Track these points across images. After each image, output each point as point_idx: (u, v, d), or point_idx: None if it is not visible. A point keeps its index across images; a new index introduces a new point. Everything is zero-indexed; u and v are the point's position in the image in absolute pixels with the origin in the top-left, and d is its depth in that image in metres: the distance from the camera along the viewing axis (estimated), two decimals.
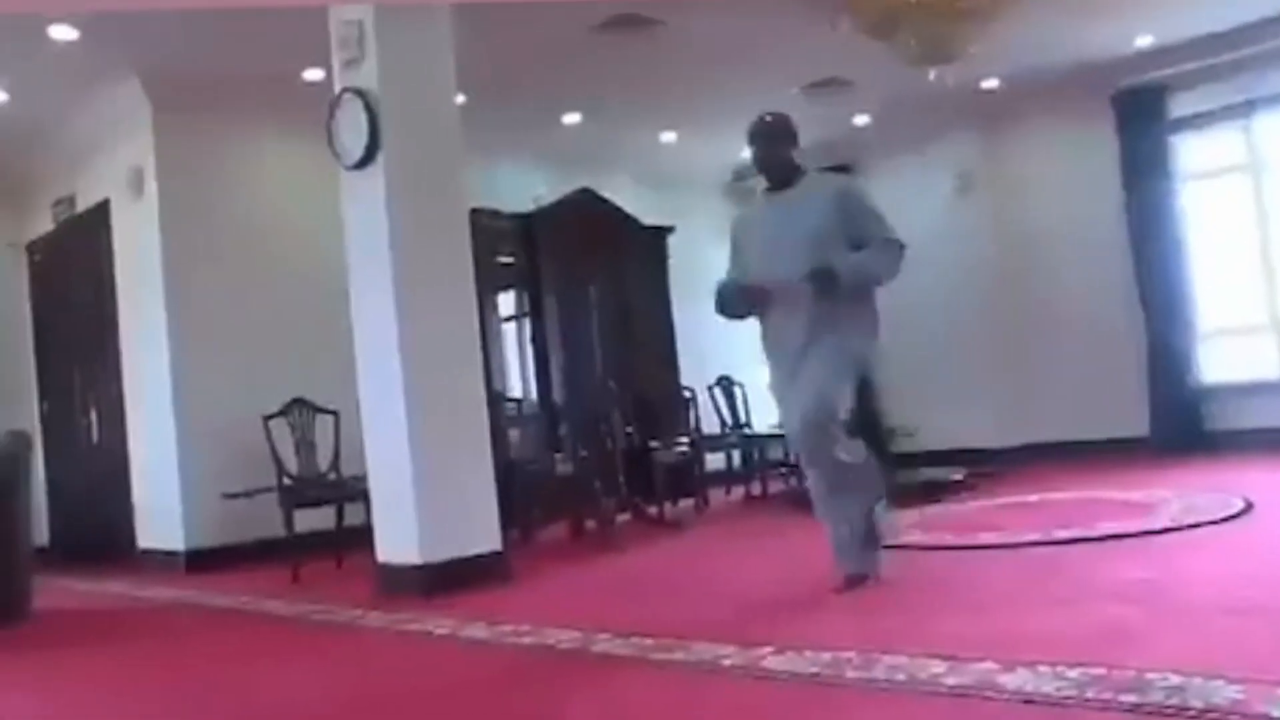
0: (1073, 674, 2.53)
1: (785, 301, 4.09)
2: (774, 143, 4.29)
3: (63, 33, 6.26)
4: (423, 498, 4.97)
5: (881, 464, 4.29)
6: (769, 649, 3.16)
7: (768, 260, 4.21)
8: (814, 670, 2.90)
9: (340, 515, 6.33)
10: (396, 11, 5.20)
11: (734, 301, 4.23)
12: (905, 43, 6.73)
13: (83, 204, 8.01)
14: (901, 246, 4.10)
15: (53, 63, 6.65)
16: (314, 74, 6.86)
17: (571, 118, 8.65)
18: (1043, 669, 2.60)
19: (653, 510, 7.32)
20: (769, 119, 4.32)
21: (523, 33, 6.75)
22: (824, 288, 3.96)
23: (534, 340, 8.58)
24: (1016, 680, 2.55)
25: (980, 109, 9.38)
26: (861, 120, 9.62)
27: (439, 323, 5.17)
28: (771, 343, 4.24)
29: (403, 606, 4.65)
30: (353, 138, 5.18)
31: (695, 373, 9.23)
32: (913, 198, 9.92)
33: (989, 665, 2.70)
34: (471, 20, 5.51)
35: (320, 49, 5.65)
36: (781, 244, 4.13)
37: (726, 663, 3.11)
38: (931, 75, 7.12)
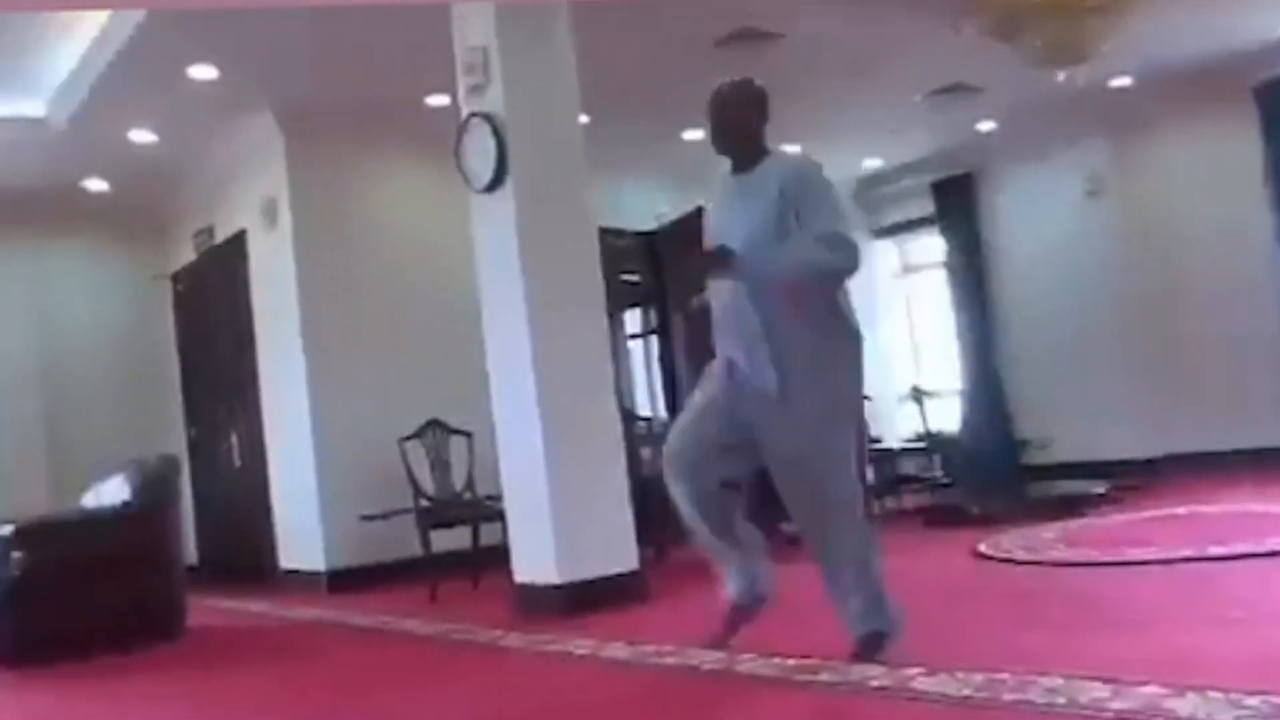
0: (1252, 702, 2.38)
1: (726, 315, 3.50)
2: (727, 109, 3.57)
3: (202, 72, 6.51)
4: (559, 517, 4.99)
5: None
6: (918, 670, 3.08)
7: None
8: (966, 693, 2.80)
9: (476, 535, 6.40)
10: (519, 35, 5.26)
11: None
12: (1030, 44, 6.57)
13: (221, 234, 8.29)
14: (852, 246, 3.37)
15: (193, 102, 6.92)
16: (438, 100, 7.00)
17: (692, 134, 8.62)
18: (1215, 695, 2.45)
19: (786, 527, 7.22)
20: (725, 83, 3.61)
21: (643, 51, 6.79)
22: (719, 269, 3.39)
23: (661, 358, 8.59)
24: (1188, 706, 2.40)
25: (1110, 109, 9.07)
26: (986, 126, 9.41)
27: (571, 341, 5.20)
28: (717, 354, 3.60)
29: (542, 626, 4.67)
30: (481, 162, 5.26)
31: None
32: (1040, 204, 9.72)
33: (1155, 689, 2.55)
34: (592, 40, 5.54)
35: (442, 75, 5.77)
36: (726, 235, 3.49)
37: (874, 684, 3.04)
38: (1061, 76, 6.92)
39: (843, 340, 3.44)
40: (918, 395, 9.53)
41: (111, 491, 5.71)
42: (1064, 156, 9.53)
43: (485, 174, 5.24)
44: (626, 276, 8.32)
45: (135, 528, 5.53)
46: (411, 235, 7.57)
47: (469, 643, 4.69)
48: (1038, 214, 9.71)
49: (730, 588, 3.69)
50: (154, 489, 5.66)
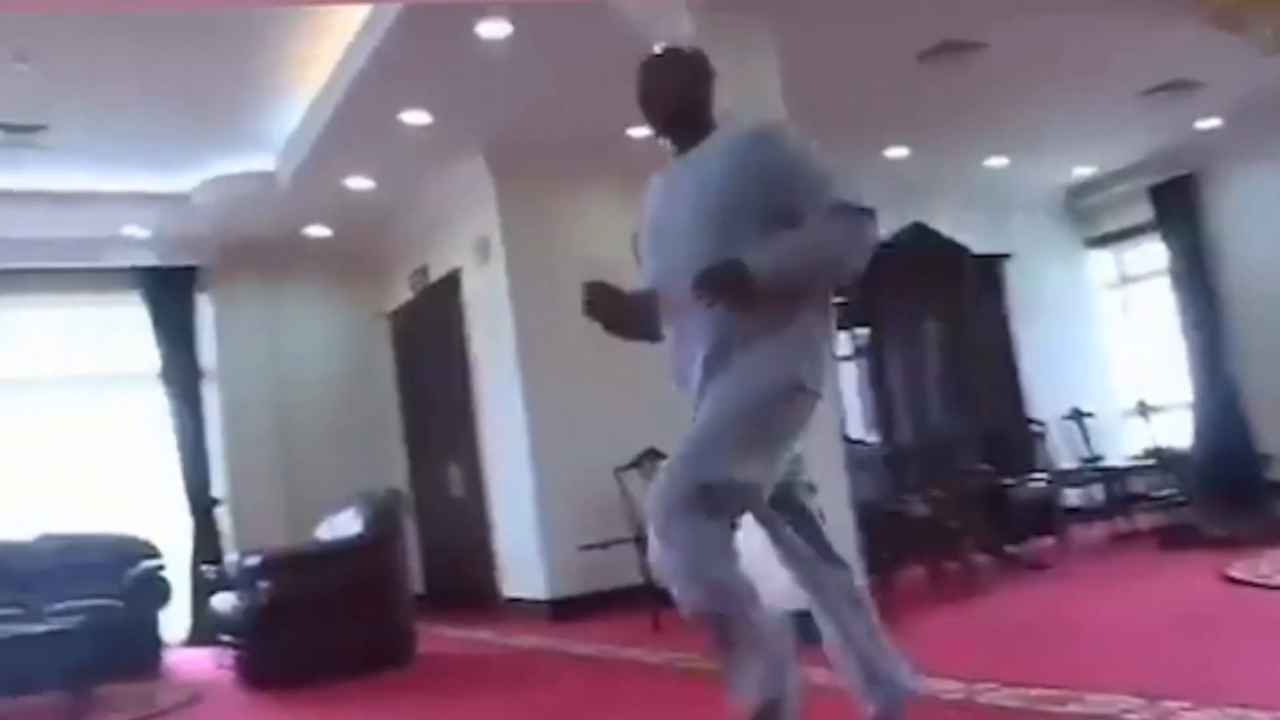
0: None
1: (674, 321, 2.76)
2: (660, 77, 2.82)
3: (415, 118, 6.77)
4: None
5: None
6: (1183, 704, 2.89)
7: (651, 257, 2.89)
8: None
9: None
10: (724, 52, 5.25)
11: (608, 313, 2.86)
12: (1261, 33, 6.16)
13: (436, 273, 8.58)
14: (862, 213, 2.59)
15: (407, 147, 7.20)
16: (639, 130, 7.10)
17: (896, 151, 8.48)
18: None
19: (1012, 550, 6.98)
20: (658, 49, 2.92)
21: (844, 69, 6.69)
22: (727, 298, 2.50)
23: (874, 380, 8.42)
24: None
25: None
26: (1208, 124, 8.88)
27: None
28: (673, 379, 2.81)
29: None
30: None
31: (1043, 405, 8.80)
32: (1275, 204, 9.09)
33: None
34: (791, 60, 5.50)
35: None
36: (664, 232, 2.79)
37: (1131, 717, 2.88)
38: None
39: (800, 320, 2.62)
40: (1144, 410, 9.07)
41: (344, 524, 5.98)
42: None
43: None
44: (836, 298, 8.17)
45: (368, 558, 5.77)
46: (621, 265, 7.62)
47: (697, 671, 4.67)
48: (1272, 214, 9.09)
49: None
50: (384, 521, 5.89)
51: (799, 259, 2.58)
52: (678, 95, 2.79)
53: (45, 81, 6.04)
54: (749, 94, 5.31)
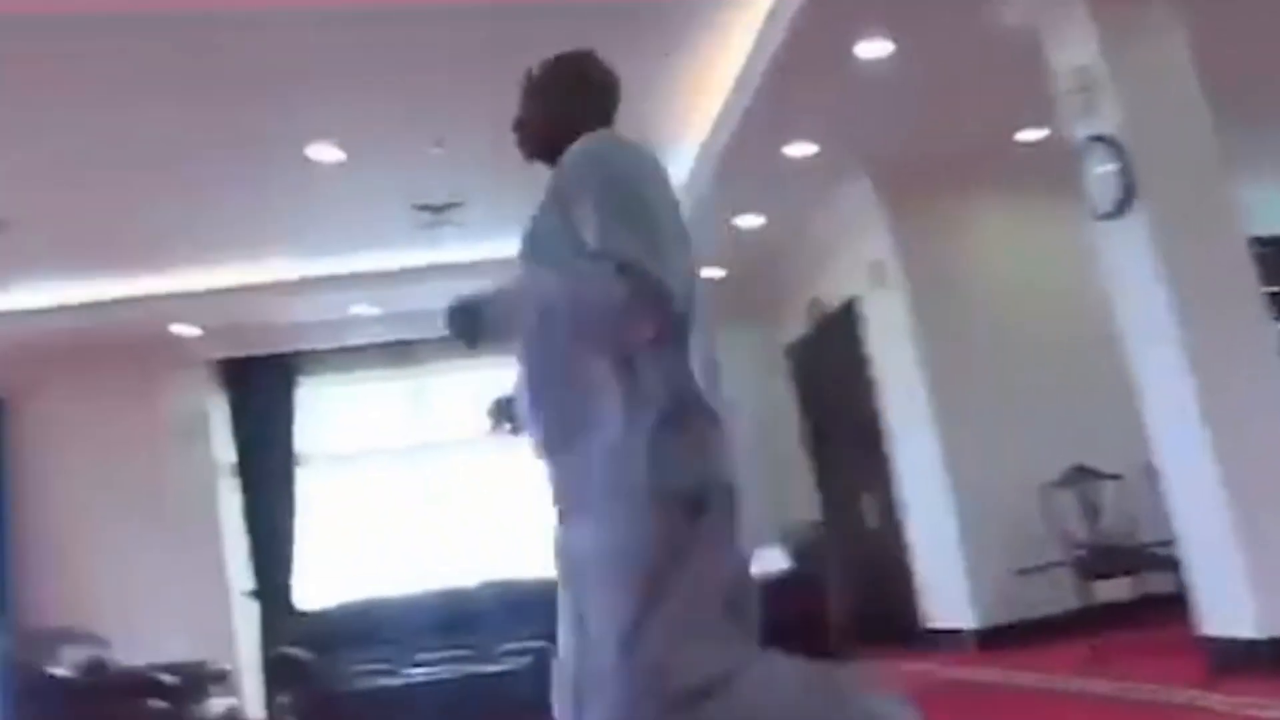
0: None
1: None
2: (529, 101, 2.36)
3: (801, 150, 6.82)
4: (1253, 562, 4.43)
5: None
6: None
7: None
8: None
9: (1139, 586, 5.94)
10: (1127, 47, 4.90)
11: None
12: None
13: (830, 303, 8.56)
14: (623, 270, 1.84)
15: (794, 179, 7.26)
16: (1027, 135, 6.84)
17: None
18: None
19: None
20: (538, 64, 2.36)
21: (1264, 42, 6.05)
22: (464, 336, 2.06)
23: None
24: None
25: None
26: None
27: (1236, 369, 4.65)
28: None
29: (1239, 686, 4.17)
30: (1102, 186, 4.93)
31: None
32: None
33: None
34: (1208, 37, 5.02)
35: (1031, 109, 5.61)
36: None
37: None
38: None
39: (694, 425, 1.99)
40: None
41: (773, 559, 6.04)
42: None
43: (1108, 199, 4.90)
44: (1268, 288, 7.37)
45: (799, 592, 5.80)
46: (1020, 275, 7.30)
47: (1154, 703, 4.29)
48: None
49: None
50: (810, 555, 5.91)
51: (514, 308, 2.03)
52: (531, 127, 2.35)
53: (455, 162, 6.56)
54: (1160, 84, 4.93)
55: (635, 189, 1.97)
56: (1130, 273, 4.91)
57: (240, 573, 8.82)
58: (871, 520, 8.24)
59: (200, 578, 8.58)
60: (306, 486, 9.10)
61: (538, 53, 2.33)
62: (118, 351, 8.57)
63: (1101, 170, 4.91)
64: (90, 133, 5.76)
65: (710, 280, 8.80)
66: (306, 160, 6.41)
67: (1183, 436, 4.69)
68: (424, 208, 7.41)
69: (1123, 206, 4.84)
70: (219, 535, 8.82)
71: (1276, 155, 7.75)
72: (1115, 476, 6.16)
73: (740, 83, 6.13)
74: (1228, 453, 4.54)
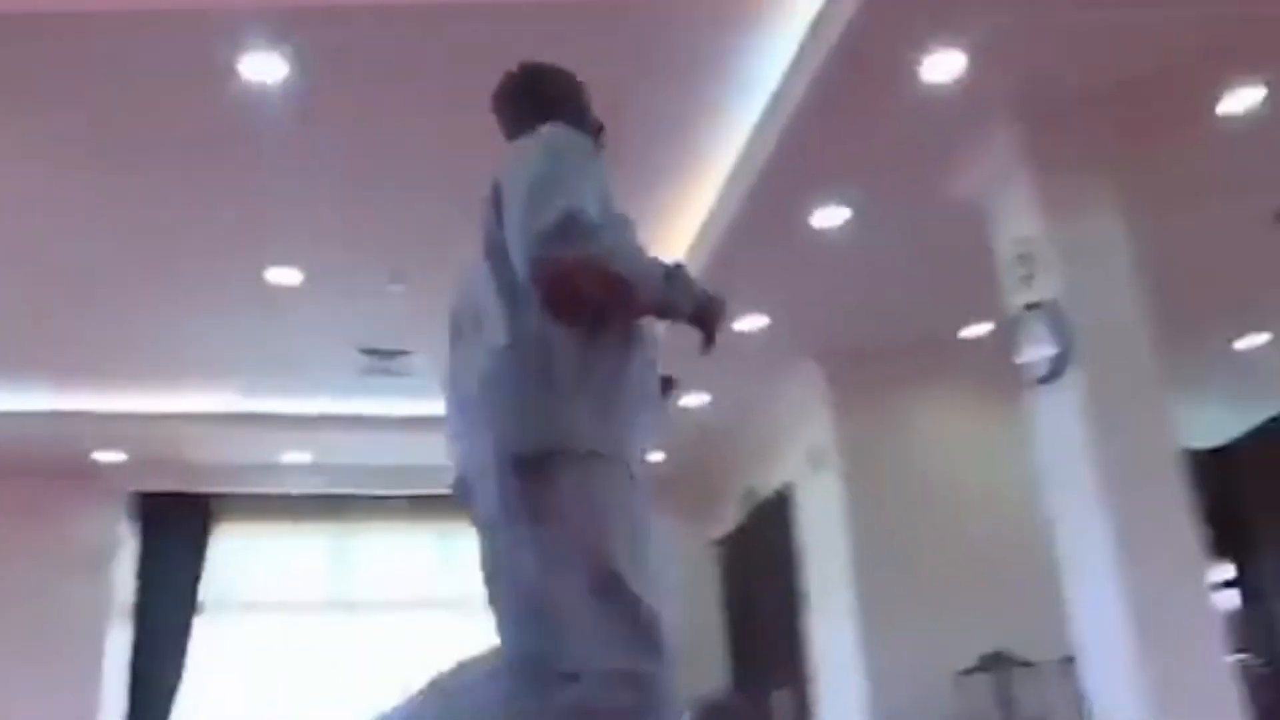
0: None
1: None
2: (500, 111, 2.47)
3: (752, 323, 6.93)
4: None
5: None
6: None
7: None
8: None
9: None
10: (1068, 221, 5.14)
11: None
12: None
13: (765, 491, 8.54)
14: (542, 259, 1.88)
15: (742, 357, 7.29)
16: (970, 331, 7.08)
17: (1253, 339, 7.76)
18: None
19: None
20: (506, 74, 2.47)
21: (1196, 234, 6.32)
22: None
23: (1244, 596, 7.59)
24: None
25: None
26: None
27: (1162, 569, 4.57)
28: None
29: None
30: (1038, 351, 5.07)
31: None
32: None
33: None
34: (1138, 224, 5.25)
35: (975, 306, 5.82)
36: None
37: None
38: None
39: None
40: None
41: None
42: None
43: (1044, 363, 5.03)
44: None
45: None
46: (953, 467, 7.36)
47: None
48: None
49: None
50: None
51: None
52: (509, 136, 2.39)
53: (411, 306, 6.47)
54: (1098, 256, 5.12)
55: (543, 158, 2.04)
56: (1062, 440, 4.96)
57: None
58: (783, 718, 7.96)
59: None
60: (208, 637, 8.69)
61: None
62: (32, 469, 8.27)
63: (1037, 335, 5.06)
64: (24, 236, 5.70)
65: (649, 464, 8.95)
66: (263, 283, 6.31)
67: (1102, 616, 4.61)
68: (371, 352, 7.37)
69: (1057, 371, 4.95)
70: (99, 680, 8.31)
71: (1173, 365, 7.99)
72: (1029, 664, 6.07)
73: (694, 249, 6.28)
74: (1147, 635, 4.43)
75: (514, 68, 2.45)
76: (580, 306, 1.93)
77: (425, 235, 5.87)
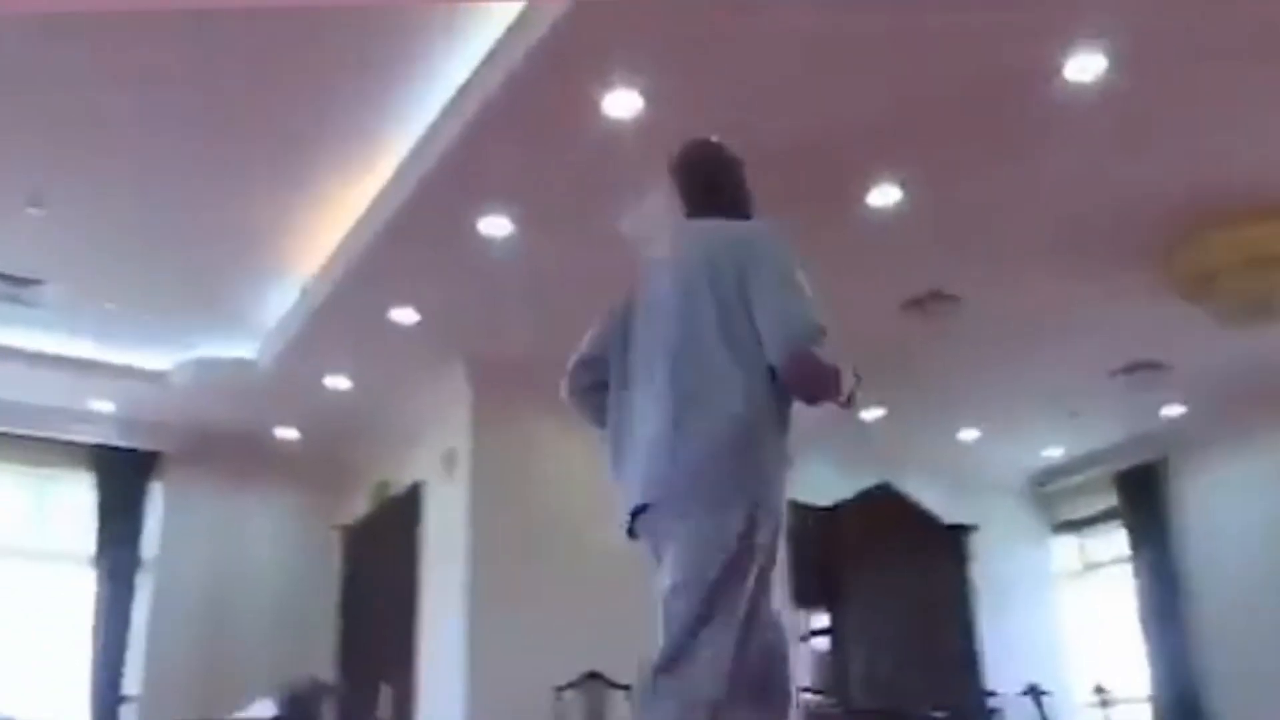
0: None
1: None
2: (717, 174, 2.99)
3: (404, 316, 6.80)
4: None
5: None
6: None
7: None
8: None
9: None
10: None
11: None
12: (1227, 303, 6.14)
13: (397, 487, 8.40)
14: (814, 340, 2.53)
15: (389, 348, 7.22)
16: None
17: (872, 413, 8.39)
18: None
19: None
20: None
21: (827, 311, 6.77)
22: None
23: (833, 643, 8.22)
24: None
25: None
26: (1173, 411, 8.81)
27: None
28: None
29: None
30: None
31: (1001, 679, 8.58)
32: (1237, 495, 9.01)
33: None
34: None
35: None
36: None
37: None
38: None
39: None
40: (1103, 699, 8.82)
41: (257, 709, 5.65)
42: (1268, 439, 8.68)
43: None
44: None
45: None
46: (580, 491, 7.43)
47: None
48: (1235, 503, 9.02)
49: None
50: (302, 705, 5.54)
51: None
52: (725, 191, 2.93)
53: (50, 233, 5.99)
54: None
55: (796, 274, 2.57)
56: None
57: None
58: (384, 712, 7.85)
59: None
60: None
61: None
62: None
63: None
64: None
65: (281, 441, 8.60)
66: None
67: None
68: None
69: None
70: None
71: (805, 437, 8.56)
72: (625, 687, 6.28)
73: (356, 230, 6.12)
74: None
75: (706, 141, 2.98)
76: (819, 394, 2.51)
77: (68, 159, 5.46)
